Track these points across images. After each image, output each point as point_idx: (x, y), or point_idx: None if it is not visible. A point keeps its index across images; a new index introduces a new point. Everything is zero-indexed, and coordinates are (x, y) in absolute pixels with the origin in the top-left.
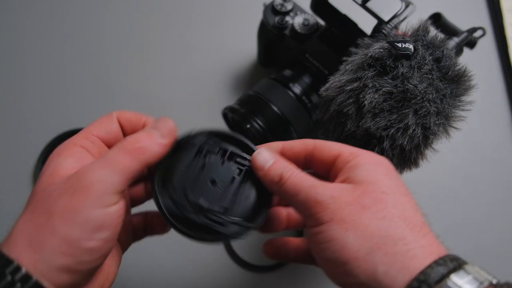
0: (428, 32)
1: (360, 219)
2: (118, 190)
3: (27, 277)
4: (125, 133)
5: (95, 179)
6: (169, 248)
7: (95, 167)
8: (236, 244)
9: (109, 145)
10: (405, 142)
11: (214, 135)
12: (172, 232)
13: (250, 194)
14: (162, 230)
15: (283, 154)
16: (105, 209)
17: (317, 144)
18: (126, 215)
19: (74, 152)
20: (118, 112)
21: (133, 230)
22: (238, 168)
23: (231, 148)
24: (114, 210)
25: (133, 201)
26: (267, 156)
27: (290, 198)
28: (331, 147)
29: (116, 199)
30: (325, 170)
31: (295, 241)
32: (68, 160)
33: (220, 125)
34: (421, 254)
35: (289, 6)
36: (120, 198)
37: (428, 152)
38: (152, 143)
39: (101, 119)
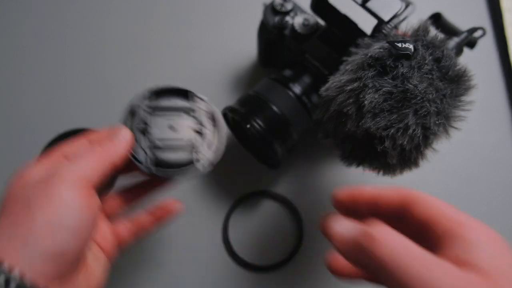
0: (428, 32)
1: None
2: (92, 181)
3: (10, 271)
4: None
5: (69, 170)
6: (168, 248)
7: (67, 163)
8: (236, 244)
9: None
10: (405, 142)
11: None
12: (170, 232)
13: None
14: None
15: (376, 205)
16: (81, 198)
17: (415, 196)
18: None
19: (42, 161)
20: (88, 133)
21: (120, 240)
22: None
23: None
24: (92, 201)
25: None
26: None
27: (377, 270)
28: (433, 204)
29: (92, 192)
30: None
31: None
32: (37, 166)
33: None
34: None
35: (289, 6)
36: (96, 194)
37: (428, 152)
38: (116, 143)
39: (71, 141)
